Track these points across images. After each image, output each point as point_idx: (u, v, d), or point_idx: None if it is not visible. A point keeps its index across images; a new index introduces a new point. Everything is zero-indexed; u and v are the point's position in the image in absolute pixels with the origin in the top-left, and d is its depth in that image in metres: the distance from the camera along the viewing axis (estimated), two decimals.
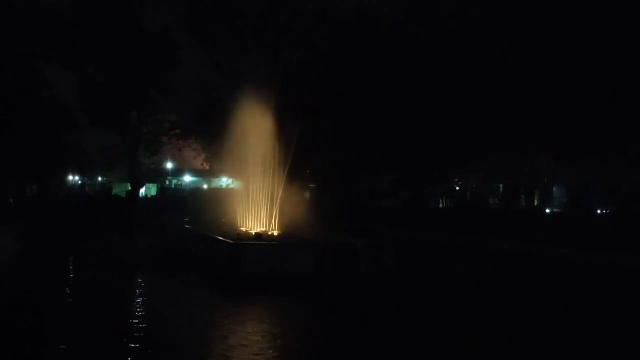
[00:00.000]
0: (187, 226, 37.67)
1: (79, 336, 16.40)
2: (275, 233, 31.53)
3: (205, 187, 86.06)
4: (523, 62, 47.83)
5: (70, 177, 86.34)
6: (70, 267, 30.66)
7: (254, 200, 32.79)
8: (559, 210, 59.47)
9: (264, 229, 31.67)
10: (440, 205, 71.33)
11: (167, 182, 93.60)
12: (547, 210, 57.32)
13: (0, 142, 46.02)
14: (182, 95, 65.27)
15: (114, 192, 77.87)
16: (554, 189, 62.40)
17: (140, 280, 26.67)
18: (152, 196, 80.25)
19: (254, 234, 30.09)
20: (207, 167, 78.70)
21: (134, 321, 18.35)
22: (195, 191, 76.54)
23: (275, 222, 32.45)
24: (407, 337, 16.85)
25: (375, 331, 17.53)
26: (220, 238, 28.19)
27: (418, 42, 52.46)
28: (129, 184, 71.61)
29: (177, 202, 63.16)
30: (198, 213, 43.03)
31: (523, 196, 64.37)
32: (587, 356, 15.66)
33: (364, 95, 52.01)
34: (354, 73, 52.58)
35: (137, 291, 24.04)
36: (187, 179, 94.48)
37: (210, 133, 53.95)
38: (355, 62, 53.06)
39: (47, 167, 59.86)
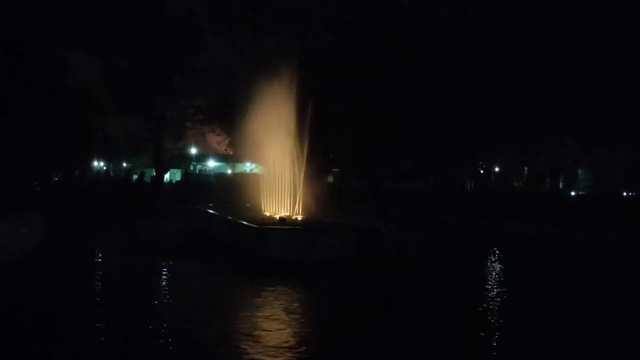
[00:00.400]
0: (211, 211, 37.79)
1: (109, 317, 16.59)
2: (299, 217, 31.48)
3: (229, 172, 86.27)
4: (550, 45, 47.62)
5: (95, 163, 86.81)
6: (97, 252, 30.86)
7: (278, 185, 32.79)
8: (583, 193, 59.09)
9: (288, 214, 31.68)
10: (467, 188, 71.00)
11: (191, 167, 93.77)
12: (572, 193, 57.01)
13: (25, 128, 46.42)
14: (206, 80, 65.44)
15: (137, 177, 78.27)
16: (579, 171, 62.01)
17: (164, 265, 26.82)
18: (176, 181, 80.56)
19: (278, 218, 30.13)
20: (231, 152, 78.78)
21: (159, 305, 18.50)
22: (219, 176, 76.83)
23: (299, 206, 32.44)
24: (429, 323, 16.79)
25: (398, 316, 17.51)
26: (245, 222, 28.23)
27: (443, 26, 52.26)
28: (153, 170, 72.00)
29: (201, 187, 63.44)
30: (222, 198, 43.19)
31: (548, 179, 64.03)
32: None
33: (388, 78, 51.88)
34: (377, 57, 52.45)
35: (162, 276, 24.13)
36: (211, 164, 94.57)
37: (233, 118, 54.11)
38: (379, 46, 52.92)
39: (72, 153, 60.27)
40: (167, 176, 77.88)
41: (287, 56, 33.46)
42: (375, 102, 52.43)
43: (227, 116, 61.67)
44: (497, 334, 15.74)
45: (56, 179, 68.47)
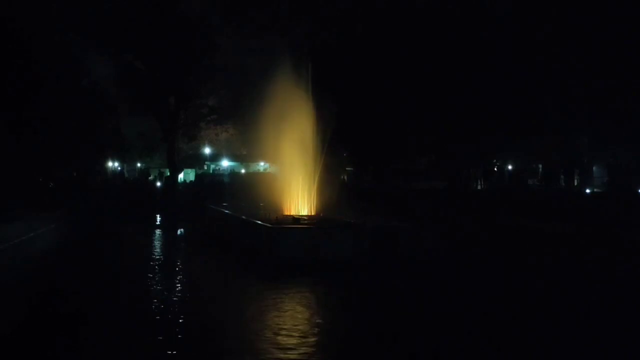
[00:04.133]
0: (225, 210, 37.87)
1: (129, 314, 16.65)
2: (314, 217, 31.43)
3: (243, 171, 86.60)
4: (560, 40, 47.74)
5: (110, 164, 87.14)
6: (111, 249, 30.98)
7: (291, 184, 32.77)
8: (599, 190, 58.79)
9: (301, 213, 31.68)
10: (479, 187, 70.79)
11: (205, 167, 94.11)
12: (587, 190, 56.74)
13: (39, 128, 46.65)
14: (219, 80, 65.55)
15: (151, 177, 78.56)
16: (593, 168, 61.73)
17: (177, 264, 26.86)
18: (190, 181, 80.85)
19: (291, 217, 30.13)
20: (244, 152, 78.95)
21: (169, 302, 18.51)
22: (233, 176, 77.08)
23: (312, 205, 32.41)
24: (440, 326, 16.60)
25: (410, 318, 17.38)
26: (258, 222, 28.23)
27: (453, 20, 52.26)
28: (167, 170, 72.18)
29: (215, 186, 63.71)
30: (236, 197, 43.28)
31: (562, 176, 63.78)
32: None
33: (400, 75, 51.81)
34: (387, 54, 52.39)
35: (174, 276, 24.04)
36: (225, 163, 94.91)
37: (246, 117, 54.17)
38: (389, 43, 52.86)
39: (86, 153, 60.55)
40: (181, 176, 78.04)
41: (300, 54, 33.41)
42: (388, 99, 52.30)
43: (241, 116, 61.75)
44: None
45: (70, 178, 68.82)
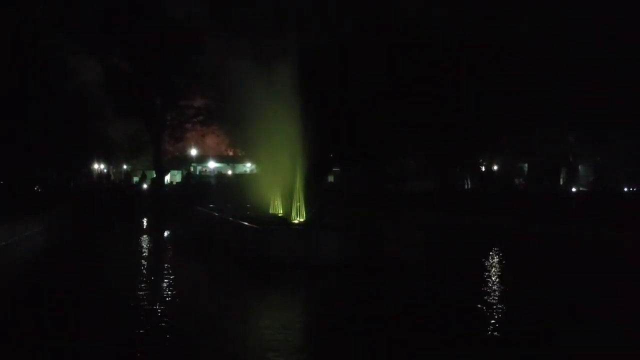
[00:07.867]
0: (212, 212, 37.75)
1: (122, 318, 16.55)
2: (301, 218, 31.33)
3: (230, 172, 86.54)
4: (547, 37, 48.01)
5: (96, 166, 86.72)
6: (99, 252, 30.84)
7: (279, 186, 32.69)
8: (585, 189, 59.03)
9: (288, 214, 31.57)
10: (465, 187, 70.84)
11: (192, 169, 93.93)
12: (573, 190, 56.95)
13: (26, 132, 46.48)
14: (205, 81, 65.39)
15: (136, 179, 78.30)
16: (579, 167, 61.95)
17: (164, 266, 26.67)
18: (177, 183, 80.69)
19: (278, 218, 30.05)
20: (231, 153, 78.87)
21: (162, 307, 18.38)
22: (220, 177, 77.02)
23: (300, 207, 32.27)
24: (429, 330, 16.44)
25: (398, 322, 17.23)
26: (245, 223, 28.12)
27: (441, 25, 52.34)
28: (153, 172, 72.00)
29: (202, 188, 63.62)
30: (223, 199, 43.21)
31: (548, 175, 63.98)
32: None
33: (387, 78, 51.82)
34: (376, 57, 52.39)
35: (160, 280, 23.77)
36: (212, 165, 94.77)
37: (233, 119, 54.07)
38: (378, 46, 52.87)
39: (72, 156, 60.38)
40: (167, 178, 77.86)
41: (287, 56, 33.28)
42: (375, 100, 52.31)
43: (227, 117, 61.64)
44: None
45: (56, 181, 68.56)
